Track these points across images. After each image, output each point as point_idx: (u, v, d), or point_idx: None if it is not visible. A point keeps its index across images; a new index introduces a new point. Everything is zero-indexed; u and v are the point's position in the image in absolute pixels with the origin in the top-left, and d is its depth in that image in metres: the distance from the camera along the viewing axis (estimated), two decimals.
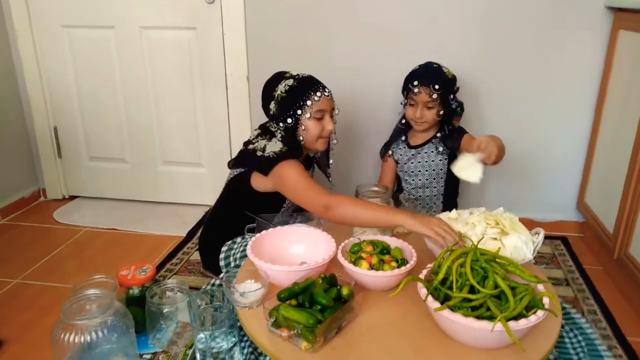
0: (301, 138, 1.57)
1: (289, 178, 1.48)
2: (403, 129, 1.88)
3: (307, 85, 1.54)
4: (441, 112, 1.73)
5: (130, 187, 2.43)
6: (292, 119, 1.54)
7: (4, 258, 1.93)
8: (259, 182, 1.57)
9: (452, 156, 1.81)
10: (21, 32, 2.22)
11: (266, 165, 1.50)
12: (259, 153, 1.54)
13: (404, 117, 1.84)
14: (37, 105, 2.33)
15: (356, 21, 2.01)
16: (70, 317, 1.13)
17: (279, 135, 1.57)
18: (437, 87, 1.68)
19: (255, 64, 2.12)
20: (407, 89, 1.75)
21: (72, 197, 2.50)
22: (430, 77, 1.70)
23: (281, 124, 1.56)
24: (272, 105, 1.57)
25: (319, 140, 1.59)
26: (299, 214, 1.72)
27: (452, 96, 1.75)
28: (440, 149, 1.80)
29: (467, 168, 1.43)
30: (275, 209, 1.63)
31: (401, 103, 1.83)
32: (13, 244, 2.05)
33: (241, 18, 2.05)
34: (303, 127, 1.55)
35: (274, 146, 1.54)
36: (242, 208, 1.59)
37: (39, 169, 2.45)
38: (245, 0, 2.02)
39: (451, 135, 1.78)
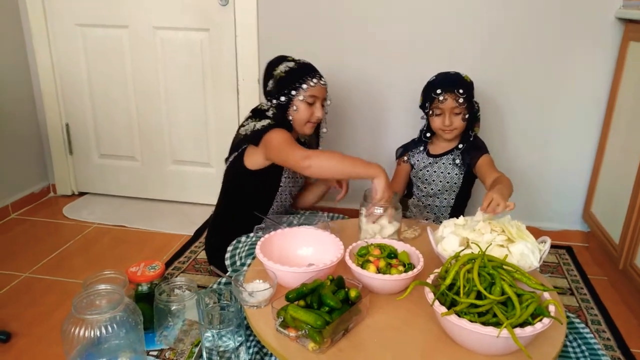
0: (291, 118, 1.64)
1: (274, 140, 1.56)
2: (424, 142, 1.86)
3: (306, 70, 1.63)
4: (467, 117, 1.74)
5: (140, 185, 2.46)
6: (286, 97, 1.61)
7: (13, 252, 1.95)
8: (252, 159, 1.64)
9: (467, 172, 1.81)
10: (36, 30, 2.26)
11: (256, 136, 1.58)
12: (250, 132, 1.61)
13: (426, 129, 1.83)
14: (49, 102, 2.36)
15: (369, 31, 2.02)
16: (81, 311, 1.15)
17: (270, 113, 1.64)
18: (461, 91, 1.69)
19: None
20: (429, 99, 1.73)
21: (82, 194, 2.53)
22: (453, 83, 1.71)
23: (274, 101, 1.63)
24: (270, 83, 1.64)
25: (307, 125, 1.66)
26: (303, 213, 1.75)
27: (474, 100, 1.75)
28: (458, 161, 1.79)
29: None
30: (272, 189, 1.68)
31: (422, 117, 1.83)
32: (22, 238, 2.07)
33: (254, 21, 2.07)
34: (295, 108, 1.62)
35: (263, 122, 1.60)
36: (242, 196, 1.67)
37: (49, 165, 2.48)
38: (258, 3, 2.05)
39: (471, 150, 1.77)
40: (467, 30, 1.96)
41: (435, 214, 1.87)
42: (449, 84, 1.71)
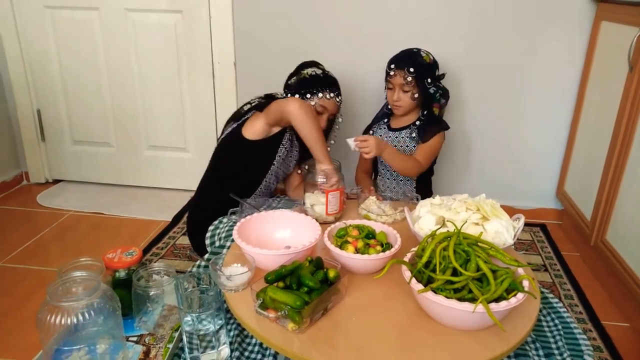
0: None
1: (277, 99, 1.68)
2: (387, 113, 1.90)
3: (328, 83, 1.75)
4: (416, 96, 1.75)
5: (115, 172, 2.42)
6: (301, 97, 1.71)
7: None
8: (253, 126, 1.69)
9: None
10: (2, 12, 2.18)
11: (264, 103, 1.69)
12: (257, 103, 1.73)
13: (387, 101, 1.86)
14: (19, 88, 2.30)
15: (344, 8, 2.01)
16: (56, 299, 1.13)
17: None
18: (411, 69, 1.71)
19: (242, 49, 2.11)
20: (386, 73, 1.79)
21: (56, 181, 2.48)
22: (406, 61, 1.74)
23: (289, 95, 1.74)
24: (294, 79, 1.77)
25: None
26: (282, 197, 1.75)
27: (429, 80, 1.75)
28: (414, 135, 1.82)
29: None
30: (265, 164, 1.72)
31: (385, 88, 1.85)
32: None
33: (228, 2, 2.04)
34: None
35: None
36: (233, 171, 1.71)
37: (21, 152, 2.42)
38: None
39: (426, 127, 1.79)
40: (443, 13, 1.97)
41: (401, 188, 1.89)
42: (401, 61, 1.74)
